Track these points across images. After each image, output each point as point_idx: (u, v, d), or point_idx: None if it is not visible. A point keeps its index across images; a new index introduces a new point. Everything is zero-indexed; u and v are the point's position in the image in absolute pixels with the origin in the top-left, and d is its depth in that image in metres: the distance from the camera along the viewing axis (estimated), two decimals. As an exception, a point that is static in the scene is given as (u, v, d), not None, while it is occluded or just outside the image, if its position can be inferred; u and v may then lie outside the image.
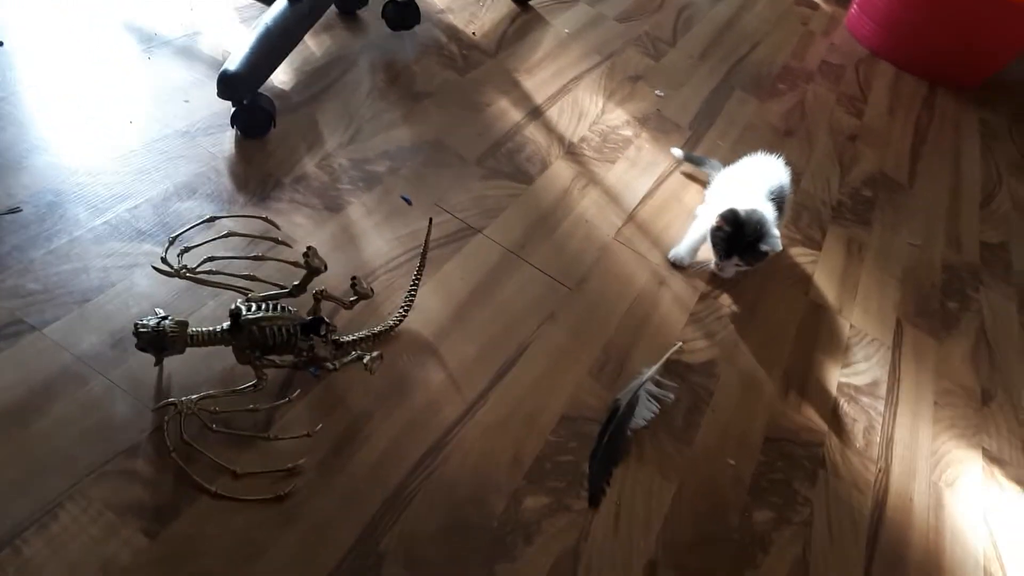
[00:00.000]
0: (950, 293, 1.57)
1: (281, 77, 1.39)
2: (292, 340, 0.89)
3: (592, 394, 1.08)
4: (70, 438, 0.81)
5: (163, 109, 1.23)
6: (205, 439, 0.85)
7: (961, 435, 1.27)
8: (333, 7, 1.60)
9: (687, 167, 1.57)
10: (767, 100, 1.95)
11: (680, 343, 1.20)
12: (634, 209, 1.43)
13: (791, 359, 1.26)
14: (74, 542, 0.75)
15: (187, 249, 0.98)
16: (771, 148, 1.49)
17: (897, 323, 1.43)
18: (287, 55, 1.33)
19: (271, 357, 0.89)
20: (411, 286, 1.07)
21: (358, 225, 1.18)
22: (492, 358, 1.07)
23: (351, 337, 0.98)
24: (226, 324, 0.87)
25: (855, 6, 2.51)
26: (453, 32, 1.71)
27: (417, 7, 1.61)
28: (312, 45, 1.50)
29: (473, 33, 1.73)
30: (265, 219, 1.09)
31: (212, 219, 1.07)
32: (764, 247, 1.23)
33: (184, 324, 0.85)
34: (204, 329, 0.87)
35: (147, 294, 0.97)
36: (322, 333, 0.91)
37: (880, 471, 1.16)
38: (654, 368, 1.14)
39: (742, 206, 1.25)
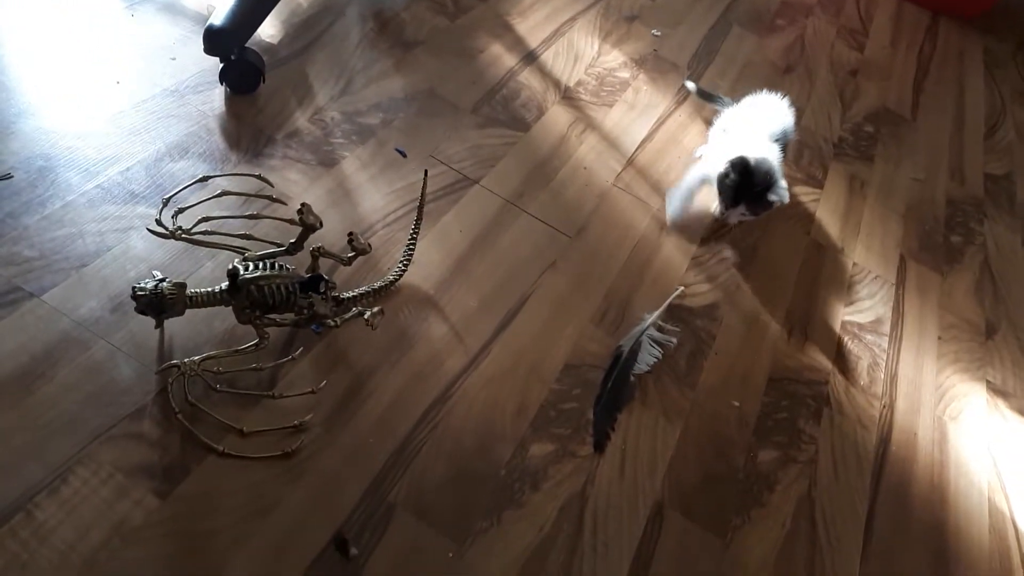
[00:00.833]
0: (953, 227, 1.56)
1: (268, 30, 1.36)
2: (291, 298, 0.88)
3: (595, 341, 1.08)
4: (76, 403, 0.82)
5: (150, 68, 1.21)
6: (210, 399, 0.85)
7: (965, 369, 1.28)
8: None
9: (690, 105, 1.55)
10: (766, 36, 1.90)
11: (682, 287, 1.19)
12: (633, 153, 1.41)
13: (794, 299, 1.26)
14: (86, 505, 0.75)
15: (181, 210, 0.97)
16: (771, 85, 1.46)
17: (900, 259, 1.43)
18: (273, 7, 1.30)
19: (271, 316, 0.89)
20: (409, 240, 1.06)
21: (353, 180, 1.16)
22: (494, 309, 1.07)
23: (351, 293, 0.98)
24: (224, 284, 0.86)
25: (856, -66, 2.43)
26: (442, -23, 1.66)
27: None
28: (298, -4, 1.47)
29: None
30: (259, 177, 1.08)
31: (205, 179, 1.06)
32: (772, 197, 1.20)
33: (182, 286, 0.85)
34: (203, 290, 0.87)
35: (144, 257, 0.96)
36: (321, 290, 0.91)
37: (884, 407, 1.16)
38: (656, 313, 1.13)
39: (751, 152, 1.22)
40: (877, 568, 0.97)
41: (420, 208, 1.08)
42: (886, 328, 1.28)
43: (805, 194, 1.48)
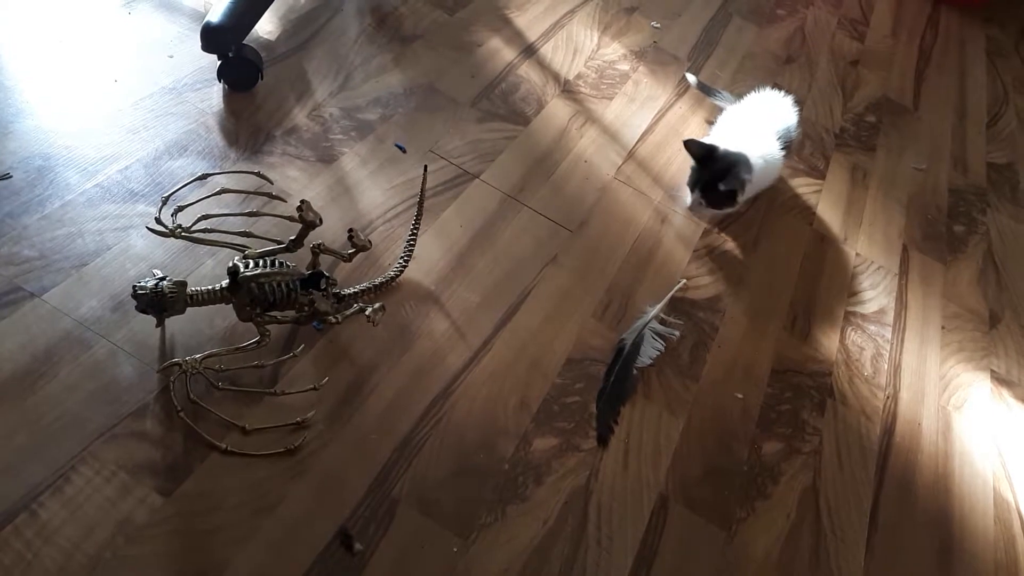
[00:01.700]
0: (956, 216, 1.55)
1: (266, 27, 1.35)
2: (292, 295, 0.88)
3: (597, 335, 1.08)
4: (78, 402, 0.81)
5: (148, 66, 1.20)
6: (212, 397, 0.85)
7: (969, 358, 1.27)
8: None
9: (691, 97, 1.54)
10: (766, 27, 1.90)
11: (684, 280, 1.19)
12: (634, 146, 1.40)
13: (796, 291, 1.26)
14: (89, 503, 0.75)
15: (181, 208, 0.97)
16: (771, 76, 1.46)
17: (903, 249, 1.42)
18: (270, 3, 1.29)
19: (272, 313, 0.88)
20: (410, 235, 1.05)
21: (352, 176, 1.16)
22: (495, 304, 1.07)
23: (352, 290, 0.97)
24: (225, 282, 0.86)
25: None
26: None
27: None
28: (296, -8, 1.46)
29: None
30: (258, 174, 1.08)
31: (204, 176, 1.05)
32: (722, 186, 1.22)
33: (183, 284, 0.85)
34: (203, 288, 0.86)
35: (144, 256, 0.96)
36: (322, 287, 0.90)
37: (888, 398, 1.16)
38: (658, 306, 1.13)
39: (736, 145, 1.24)
40: (882, 558, 0.97)
41: (420, 203, 1.08)
42: (889, 318, 1.28)
43: (807, 185, 1.47)
